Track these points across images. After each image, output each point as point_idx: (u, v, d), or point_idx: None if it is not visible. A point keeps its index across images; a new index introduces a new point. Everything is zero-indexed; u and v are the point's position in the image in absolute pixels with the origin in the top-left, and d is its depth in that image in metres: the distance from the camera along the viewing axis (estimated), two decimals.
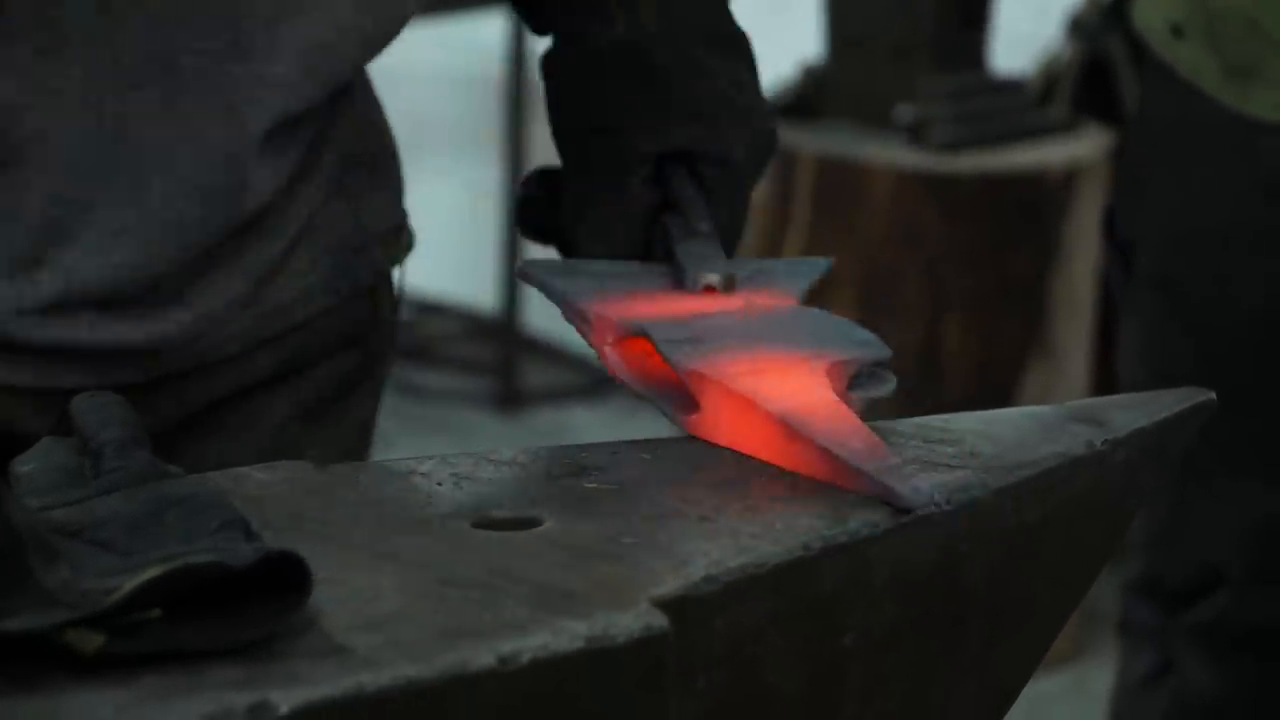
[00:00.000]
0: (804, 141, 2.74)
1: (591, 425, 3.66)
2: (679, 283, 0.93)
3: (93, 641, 0.58)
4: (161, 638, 0.59)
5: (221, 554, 0.62)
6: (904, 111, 2.72)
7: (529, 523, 0.70)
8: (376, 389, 1.24)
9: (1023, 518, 0.79)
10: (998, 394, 2.78)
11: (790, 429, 0.79)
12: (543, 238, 1.07)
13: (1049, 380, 2.82)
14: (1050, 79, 3.06)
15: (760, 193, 2.69)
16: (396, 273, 1.22)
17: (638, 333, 0.86)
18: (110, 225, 1.03)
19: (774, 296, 0.95)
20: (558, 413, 3.95)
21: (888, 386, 0.87)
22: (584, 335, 0.92)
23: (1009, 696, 0.84)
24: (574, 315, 0.92)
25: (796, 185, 2.73)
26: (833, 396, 0.82)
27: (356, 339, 1.19)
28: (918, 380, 2.72)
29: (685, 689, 0.65)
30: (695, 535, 0.72)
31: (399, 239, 1.20)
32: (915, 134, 2.70)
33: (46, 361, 1.02)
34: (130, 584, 0.58)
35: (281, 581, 0.59)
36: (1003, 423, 0.84)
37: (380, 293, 1.20)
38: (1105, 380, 2.91)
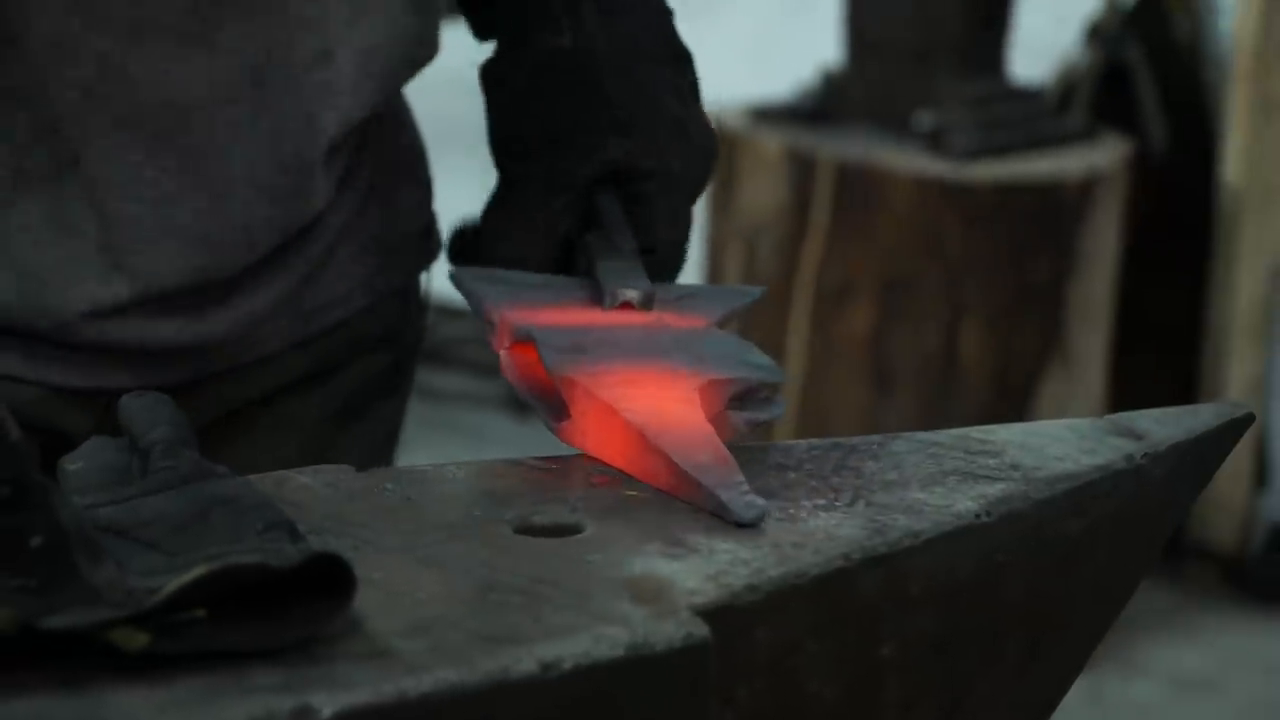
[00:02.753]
0: (823, 146, 2.75)
1: None
2: (598, 298, 0.93)
3: (137, 640, 0.58)
4: (205, 638, 0.59)
5: (266, 555, 0.62)
6: (923, 118, 2.72)
7: (570, 529, 0.71)
8: (405, 390, 1.24)
9: (1062, 530, 0.79)
10: (1015, 402, 2.82)
11: (643, 439, 0.81)
12: (467, 259, 1.05)
13: (1067, 388, 2.83)
14: (1069, 87, 3.10)
15: (779, 197, 2.84)
16: (424, 274, 1.22)
17: (526, 337, 0.86)
18: (191, 232, 1.03)
19: (689, 318, 0.94)
20: None
21: (775, 410, 0.88)
22: (489, 340, 0.92)
23: (1048, 708, 0.84)
24: (483, 319, 0.93)
25: (815, 190, 2.73)
26: (696, 412, 0.83)
27: (388, 340, 1.19)
28: (936, 387, 2.79)
29: (725, 697, 0.65)
30: (736, 544, 0.72)
31: (429, 240, 1.20)
32: (934, 140, 2.70)
33: (97, 362, 1.02)
34: (175, 583, 0.58)
35: (325, 584, 0.59)
36: (1042, 435, 0.84)
37: (410, 294, 1.21)
38: (1122, 389, 2.98)
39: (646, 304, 0.92)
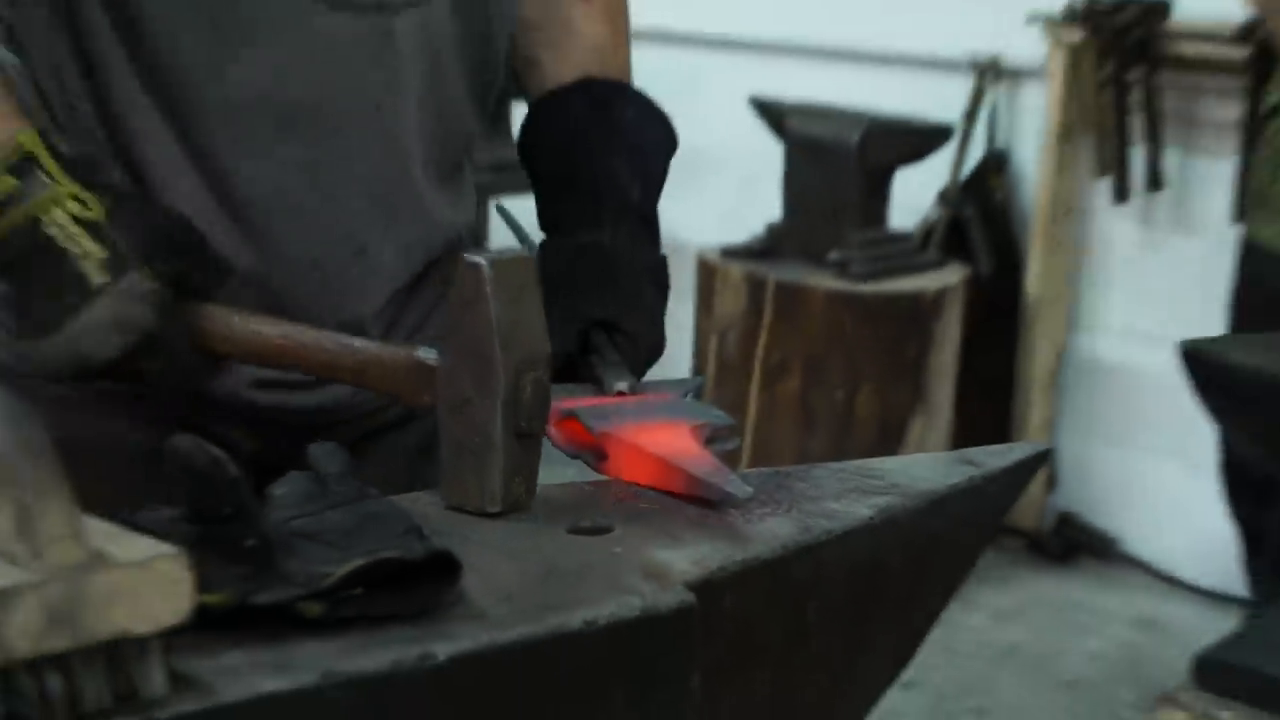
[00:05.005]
0: (769, 272, 2.71)
1: None
2: (600, 390, 0.93)
3: (315, 610, 0.60)
4: (361, 607, 0.61)
5: (403, 551, 0.63)
6: (834, 253, 2.69)
7: (604, 530, 0.71)
8: None
9: (927, 527, 0.80)
10: (893, 439, 2.76)
11: (664, 462, 0.82)
12: None
13: (927, 429, 2.79)
14: (927, 232, 3.03)
15: (741, 306, 2.75)
16: None
17: (569, 415, 0.86)
18: (346, 305, 0.96)
19: (662, 396, 0.94)
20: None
21: (734, 443, 0.89)
22: None
23: (919, 638, 0.84)
24: None
25: (765, 301, 2.69)
26: (692, 443, 0.84)
27: None
28: (842, 429, 2.72)
29: (705, 642, 0.66)
30: (711, 539, 0.73)
31: None
32: (841, 268, 2.68)
33: (254, 423, 0.97)
34: (342, 571, 0.60)
35: (442, 570, 0.61)
36: (913, 464, 0.85)
37: None
38: (963, 428, 2.92)
39: (632, 390, 0.92)
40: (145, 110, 0.90)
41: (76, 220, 0.80)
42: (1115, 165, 2.83)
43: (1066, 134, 2.94)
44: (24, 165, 0.80)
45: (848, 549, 0.75)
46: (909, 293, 2.71)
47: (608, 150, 1.02)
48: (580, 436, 0.87)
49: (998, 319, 3.06)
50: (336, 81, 0.93)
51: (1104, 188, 2.94)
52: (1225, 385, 1.44)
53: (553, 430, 0.87)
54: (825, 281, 2.68)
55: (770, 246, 2.81)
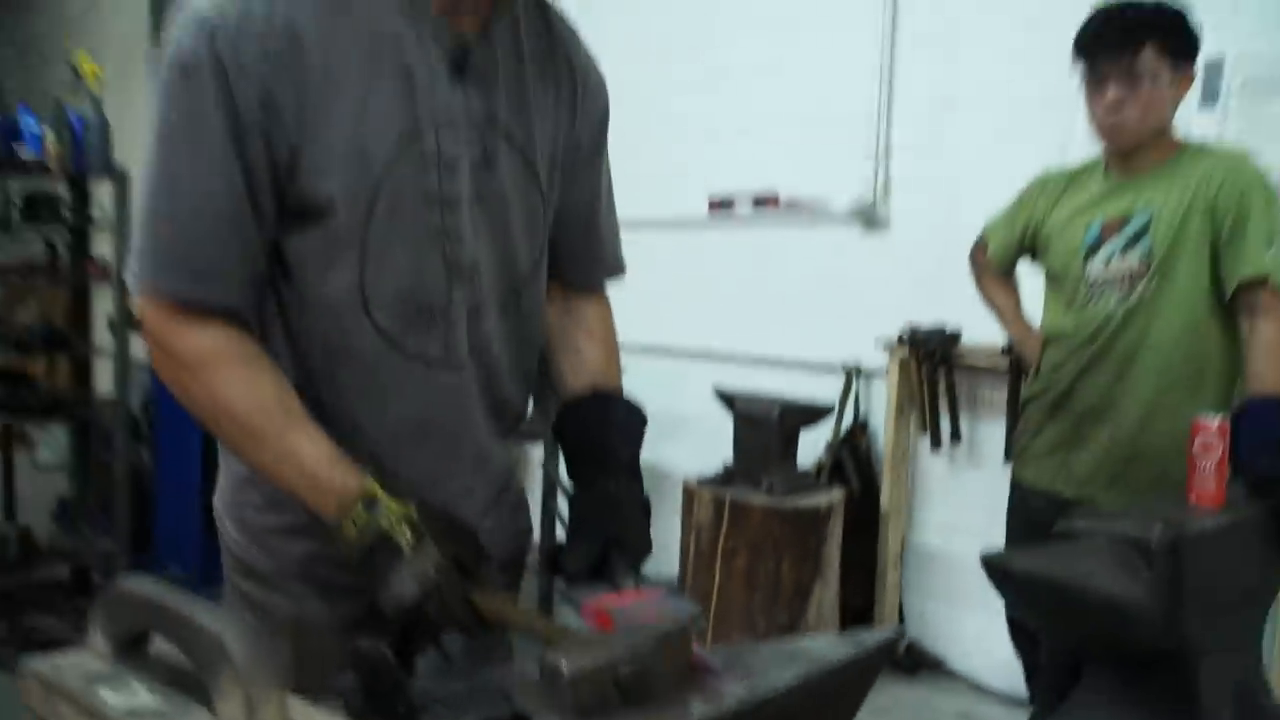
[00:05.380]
0: (726, 493, 2.93)
1: None
2: (614, 588, 0.94)
3: None
4: None
5: (495, 713, 0.70)
6: (765, 482, 2.94)
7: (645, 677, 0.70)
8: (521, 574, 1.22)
9: (831, 684, 0.78)
10: (802, 603, 2.91)
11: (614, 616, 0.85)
12: (554, 569, 1.02)
13: (824, 591, 2.96)
14: (819, 469, 3.35)
15: (709, 516, 2.89)
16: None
17: (601, 612, 0.87)
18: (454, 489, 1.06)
19: (654, 590, 0.92)
20: None
21: (699, 625, 0.84)
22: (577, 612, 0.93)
23: None
24: (571, 605, 0.95)
25: (724, 511, 2.93)
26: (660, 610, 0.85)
27: (517, 561, 1.21)
28: (771, 595, 2.90)
29: None
30: (704, 697, 0.74)
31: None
32: (770, 491, 2.92)
33: (343, 599, 1.00)
34: None
35: None
36: (820, 641, 0.85)
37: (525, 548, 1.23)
38: (845, 592, 3.08)
39: (635, 586, 0.94)
40: (304, 402, 0.97)
41: (401, 521, 0.88)
42: (931, 427, 3.20)
43: (900, 409, 3.25)
44: (371, 501, 0.89)
45: (780, 701, 0.74)
46: (811, 506, 2.90)
47: (608, 435, 1.06)
48: (608, 625, 0.87)
49: (864, 522, 3.26)
50: (437, 399, 1.03)
51: (925, 441, 3.27)
52: (1008, 579, 1.47)
53: (587, 619, 0.88)
54: (761, 499, 2.89)
55: (727, 477, 3.03)
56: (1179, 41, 1.88)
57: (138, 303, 0.95)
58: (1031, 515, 2.06)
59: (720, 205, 3.80)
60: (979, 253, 2.31)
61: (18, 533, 3.79)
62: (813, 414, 3.10)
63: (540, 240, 1.08)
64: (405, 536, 0.87)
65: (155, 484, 3.84)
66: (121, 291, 3.73)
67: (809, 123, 3.57)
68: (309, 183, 0.92)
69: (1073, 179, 2.09)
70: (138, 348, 3.91)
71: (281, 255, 0.96)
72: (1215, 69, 2.70)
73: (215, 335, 0.93)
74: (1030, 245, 2.15)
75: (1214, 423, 1.54)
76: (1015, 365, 2.79)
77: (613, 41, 4.23)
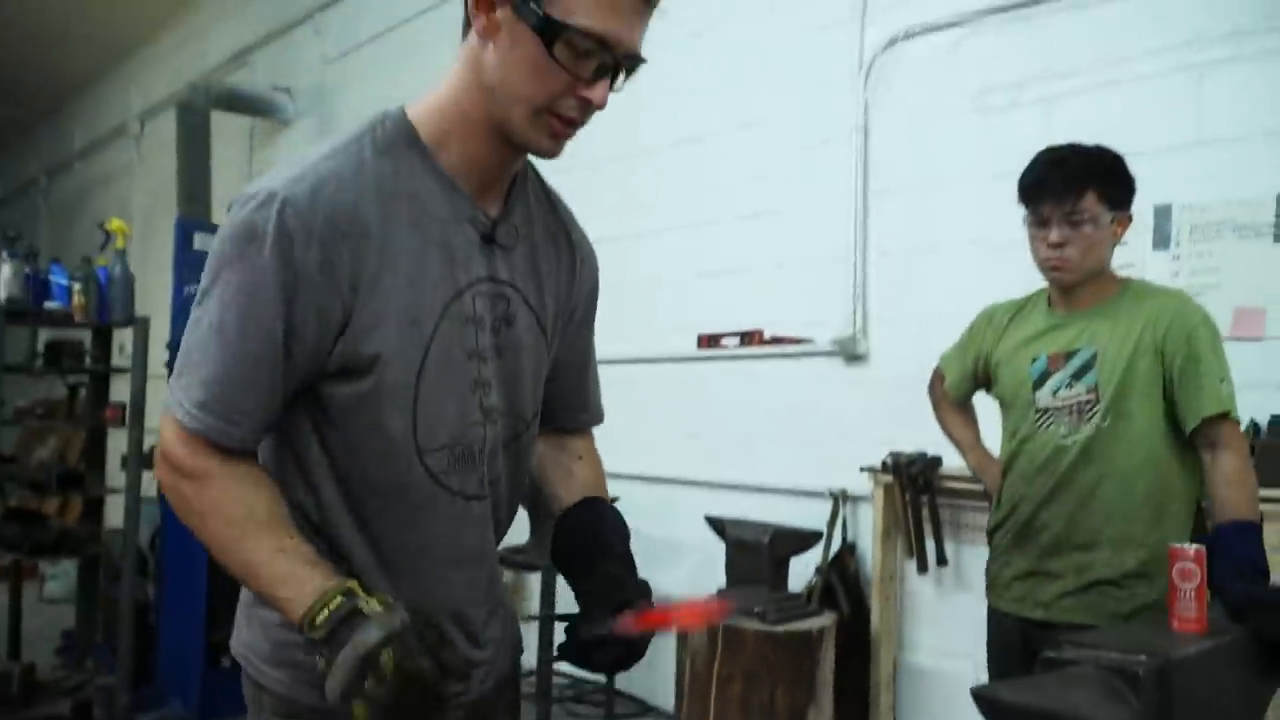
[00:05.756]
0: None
1: None
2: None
3: None
4: None
5: None
6: (758, 608, 2.99)
7: None
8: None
9: None
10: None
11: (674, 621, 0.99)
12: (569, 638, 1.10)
13: (818, 716, 2.97)
14: (810, 592, 3.36)
15: (704, 640, 2.89)
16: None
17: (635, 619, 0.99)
18: (464, 611, 1.16)
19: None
20: None
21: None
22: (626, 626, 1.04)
23: None
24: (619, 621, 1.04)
25: (718, 637, 2.94)
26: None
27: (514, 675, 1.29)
28: (765, 718, 2.88)
29: None
30: None
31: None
32: (762, 616, 2.95)
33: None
34: None
35: None
36: None
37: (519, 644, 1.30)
38: (839, 715, 3.07)
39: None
40: (350, 533, 1.08)
41: (370, 601, 0.95)
42: (917, 551, 3.25)
43: (887, 533, 3.29)
44: (350, 592, 0.95)
45: None
46: (803, 630, 2.92)
47: (604, 531, 1.16)
48: (646, 619, 1.00)
49: (856, 645, 3.28)
50: (471, 528, 1.14)
51: (911, 564, 3.32)
52: (998, 711, 1.44)
53: (627, 626, 1.00)
54: (754, 625, 2.92)
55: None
56: (1117, 186, 1.99)
57: (165, 417, 1.03)
58: (1008, 641, 2.08)
59: (709, 341, 3.95)
60: (937, 384, 2.37)
61: (20, 669, 3.82)
62: (803, 540, 3.19)
63: (541, 388, 1.20)
64: (374, 607, 0.94)
65: (159, 618, 3.84)
66: (137, 432, 3.82)
67: (791, 265, 3.77)
68: (358, 341, 1.01)
69: (1018, 311, 2.17)
70: (148, 485, 4.01)
71: (323, 402, 1.05)
72: (1164, 214, 2.90)
73: (220, 458, 1.02)
74: (983, 375, 2.21)
75: (1191, 550, 1.57)
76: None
77: (613, 195, 4.57)
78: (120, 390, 4.14)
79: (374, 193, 1.02)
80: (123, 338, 4.22)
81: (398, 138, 1.06)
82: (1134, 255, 2.94)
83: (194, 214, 6.06)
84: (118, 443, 4.05)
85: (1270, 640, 1.59)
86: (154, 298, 5.11)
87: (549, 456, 1.26)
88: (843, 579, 3.39)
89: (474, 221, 1.09)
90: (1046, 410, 2.02)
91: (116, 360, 4.41)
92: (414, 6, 5.91)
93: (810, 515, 3.48)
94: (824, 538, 3.36)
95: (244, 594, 1.14)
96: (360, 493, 1.06)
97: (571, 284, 1.23)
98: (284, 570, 0.97)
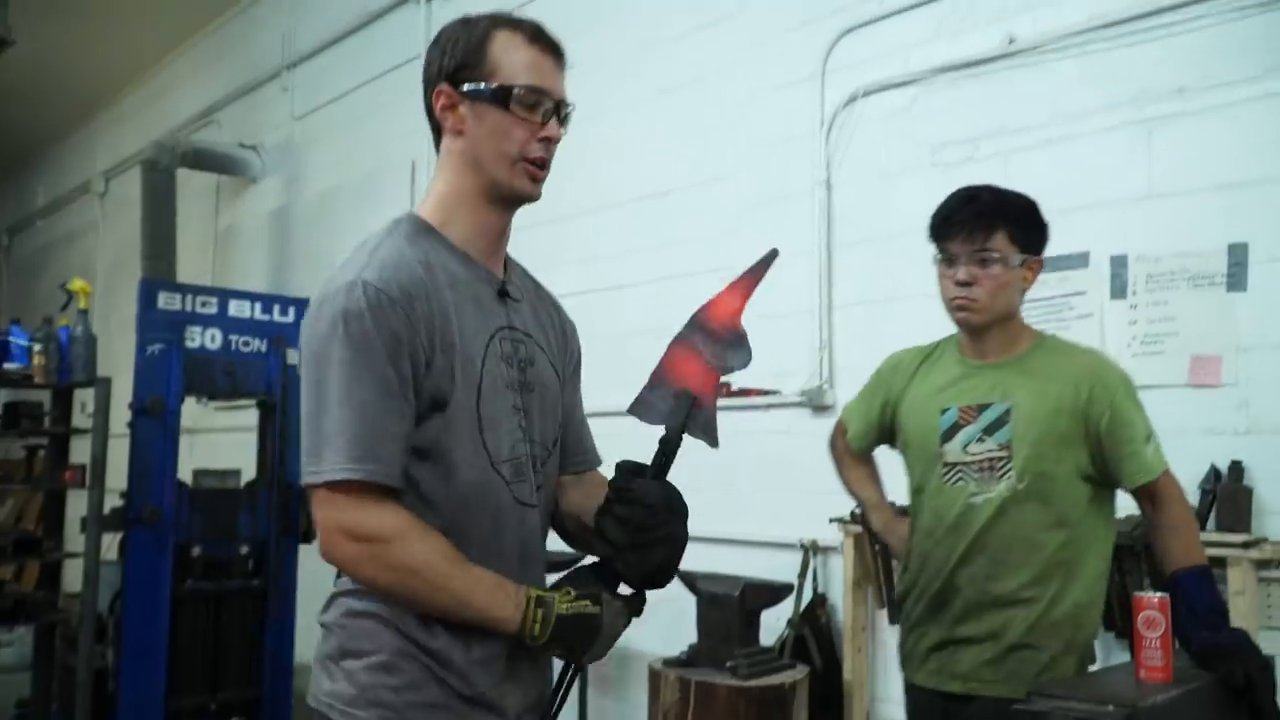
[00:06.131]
0: (691, 675, 2.89)
1: None
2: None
3: None
4: None
5: None
6: (730, 663, 2.95)
7: None
8: None
9: None
10: None
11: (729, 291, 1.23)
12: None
13: None
14: (782, 646, 3.34)
15: (676, 697, 2.83)
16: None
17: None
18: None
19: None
20: None
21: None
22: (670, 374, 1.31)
23: None
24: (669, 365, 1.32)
25: (690, 692, 2.91)
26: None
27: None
28: None
29: None
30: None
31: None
32: (734, 671, 2.90)
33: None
34: None
35: None
36: None
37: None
38: None
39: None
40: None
41: (574, 600, 1.21)
42: (888, 601, 3.22)
43: (858, 584, 3.30)
44: (540, 599, 1.22)
45: None
46: (775, 684, 2.89)
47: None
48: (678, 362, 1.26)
49: (829, 697, 3.28)
50: (531, 534, 1.34)
51: (883, 614, 3.32)
52: None
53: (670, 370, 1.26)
54: (725, 679, 2.88)
55: (691, 658, 3.03)
56: (1028, 229, 1.97)
57: (318, 497, 1.20)
58: (919, 702, 2.06)
59: None
60: (838, 437, 2.29)
61: None
62: (774, 592, 3.15)
63: (559, 420, 1.42)
64: (587, 606, 1.20)
65: (118, 685, 3.75)
66: (98, 493, 3.76)
67: (758, 318, 3.70)
68: (438, 377, 1.23)
69: (925, 358, 2.13)
70: (109, 548, 3.93)
71: (414, 440, 1.24)
72: (1121, 264, 2.98)
73: (393, 513, 1.20)
74: (889, 425, 2.16)
75: (1156, 599, 1.58)
76: None
77: (580, 249, 4.58)
78: (81, 452, 4.08)
79: (419, 266, 1.26)
80: (84, 397, 4.17)
81: (416, 228, 1.32)
82: (1092, 305, 3.02)
83: (158, 272, 6.05)
84: (78, 505, 3.97)
85: (1236, 687, 1.60)
86: (117, 357, 5.11)
87: (573, 489, 1.47)
88: (815, 631, 3.40)
89: (489, 281, 1.35)
90: (955, 465, 1.98)
91: (78, 420, 4.35)
92: (380, 65, 5.99)
93: (781, 567, 3.48)
94: (795, 590, 3.36)
95: (320, 648, 1.30)
96: (457, 506, 1.24)
97: (564, 345, 1.48)
98: (486, 598, 1.20)
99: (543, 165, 1.32)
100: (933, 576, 2.00)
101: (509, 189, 1.32)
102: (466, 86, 1.30)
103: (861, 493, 2.29)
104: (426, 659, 1.23)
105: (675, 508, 1.28)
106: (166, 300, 3.98)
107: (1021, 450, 1.92)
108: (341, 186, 6.24)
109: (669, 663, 3.06)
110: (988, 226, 1.94)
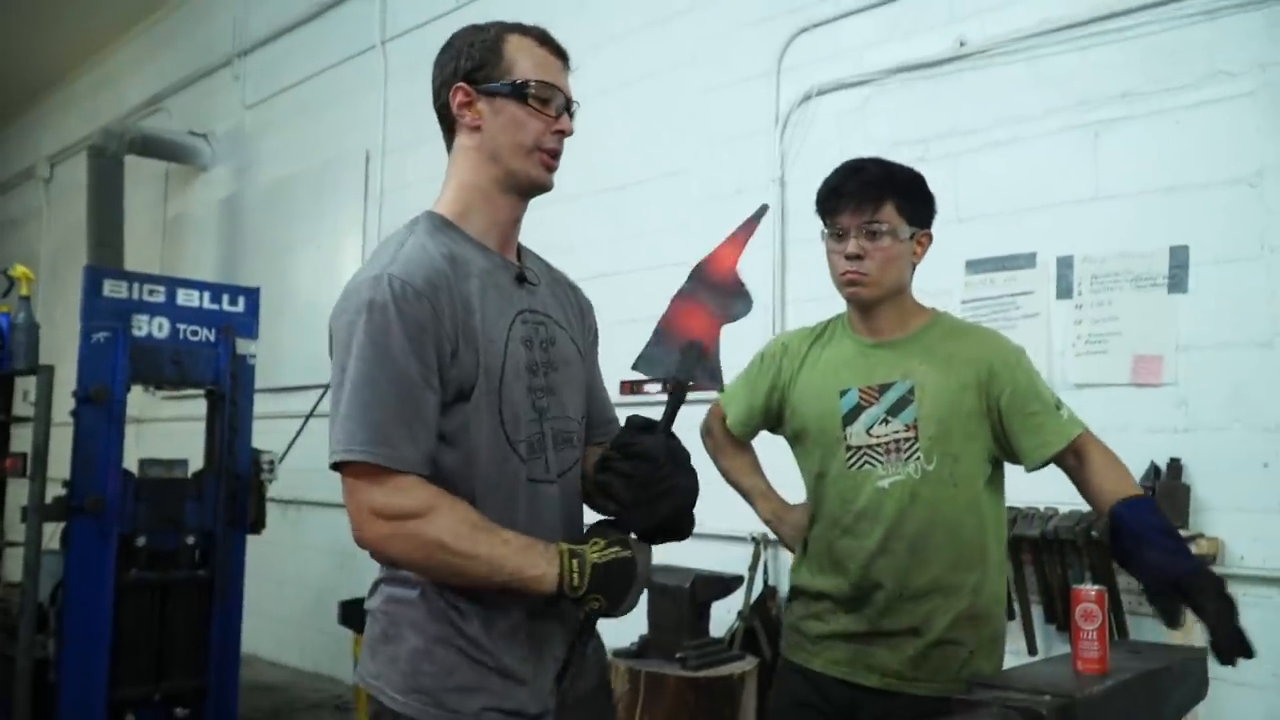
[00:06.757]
0: (641, 666, 2.92)
1: None
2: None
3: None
4: None
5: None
6: (679, 654, 2.97)
7: None
8: None
9: None
10: None
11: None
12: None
13: None
14: (732, 637, 3.38)
15: (625, 686, 2.83)
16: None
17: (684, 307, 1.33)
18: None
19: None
20: None
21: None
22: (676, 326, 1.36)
23: None
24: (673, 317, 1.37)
25: (640, 683, 2.90)
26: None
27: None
28: None
29: None
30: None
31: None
32: (684, 662, 2.91)
33: None
34: None
35: None
36: None
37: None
38: None
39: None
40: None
41: (606, 548, 1.25)
42: None
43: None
44: (572, 552, 1.25)
45: None
46: (724, 675, 2.92)
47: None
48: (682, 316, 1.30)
49: None
50: (544, 510, 1.36)
51: None
52: None
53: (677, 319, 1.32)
54: (675, 670, 2.91)
55: (641, 650, 3.06)
56: (916, 201, 1.90)
57: (347, 485, 1.25)
58: (823, 705, 1.90)
59: (631, 388, 3.96)
60: (716, 424, 2.13)
61: None
62: (725, 584, 3.15)
63: (584, 396, 1.48)
64: (619, 552, 1.24)
65: (59, 676, 3.68)
66: (39, 483, 3.69)
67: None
68: (464, 365, 1.28)
69: (816, 338, 2.03)
70: (50, 537, 3.85)
71: (439, 426, 1.28)
72: (1067, 264, 3.02)
73: (418, 489, 1.23)
74: (777, 410, 2.03)
75: (1093, 591, 1.55)
76: None
77: (535, 241, 4.57)
78: (22, 440, 3.99)
79: (443, 260, 1.31)
80: (26, 385, 4.07)
81: (435, 224, 1.38)
82: (1039, 304, 3.07)
83: (105, 260, 5.93)
84: (18, 494, 3.88)
85: (1211, 625, 1.59)
86: (60, 346, 5.00)
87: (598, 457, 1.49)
88: (765, 623, 3.40)
89: (507, 268, 1.40)
90: (859, 449, 1.88)
91: (19, 408, 4.25)
92: (336, 54, 5.95)
93: (732, 559, 3.48)
94: (745, 582, 3.35)
95: (368, 631, 1.35)
96: (477, 487, 1.28)
97: (583, 322, 1.55)
98: (519, 559, 1.22)
99: (555, 155, 1.40)
100: (846, 568, 1.89)
101: (525, 178, 1.39)
102: (484, 84, 1.37)
103: (745, 481, 2.14)
104: (462, 641, 1.29)
105: (678, 459, 1.30)
106: (112, 288, 3.90)
107: (928, 430, 1.85)
108: (294, 176, 6.17)
109: (619, 654, 3.06)
110: (876, 198, 1.88)
